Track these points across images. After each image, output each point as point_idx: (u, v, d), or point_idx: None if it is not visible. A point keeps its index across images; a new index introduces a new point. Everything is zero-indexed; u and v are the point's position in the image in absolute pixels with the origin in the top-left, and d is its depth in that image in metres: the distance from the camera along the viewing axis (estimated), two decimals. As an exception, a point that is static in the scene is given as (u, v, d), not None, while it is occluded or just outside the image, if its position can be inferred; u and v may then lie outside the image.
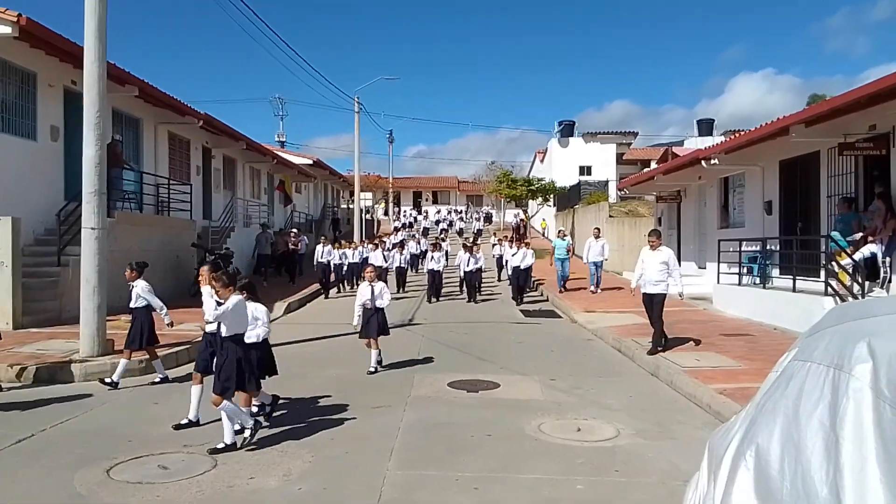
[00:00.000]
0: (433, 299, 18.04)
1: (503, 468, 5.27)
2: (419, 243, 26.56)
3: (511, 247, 19.20)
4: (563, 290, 18.29)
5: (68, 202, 13.11)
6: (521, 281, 17.41)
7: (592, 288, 18.27)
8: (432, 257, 18.42)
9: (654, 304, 9.81)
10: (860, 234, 10.87)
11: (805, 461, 1.51)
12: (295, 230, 24.73)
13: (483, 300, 18.31)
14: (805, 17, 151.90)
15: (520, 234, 29.94)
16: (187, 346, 9.96)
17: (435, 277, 18.11)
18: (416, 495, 4.69)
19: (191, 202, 18.54)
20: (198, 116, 18.39)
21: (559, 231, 20.39)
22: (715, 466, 1.93)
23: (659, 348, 9.64)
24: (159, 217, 17.10)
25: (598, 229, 19.39)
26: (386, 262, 18.68)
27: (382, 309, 9.19)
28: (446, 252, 21.94)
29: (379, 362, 9.18)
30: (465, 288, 18.63)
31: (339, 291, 20.11)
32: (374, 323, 9.09)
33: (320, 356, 10.65)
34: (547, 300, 18.33)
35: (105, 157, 9.35)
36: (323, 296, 19.07)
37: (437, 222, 47.01)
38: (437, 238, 27.74)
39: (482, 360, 10.04)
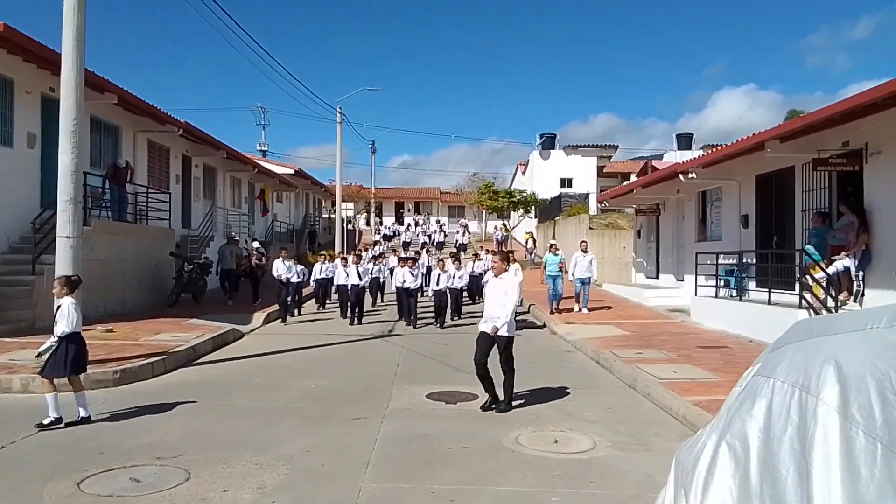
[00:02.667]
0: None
1: (479, 480, 5.26)
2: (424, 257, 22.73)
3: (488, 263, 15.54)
4: (555, 311, 16.31)
5: (44, 210, 12.94)
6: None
7: (577, 307, 16.64)
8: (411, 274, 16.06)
9: None
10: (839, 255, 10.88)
11: (781, 486, 1.52)
12: (257, 243, 21.75)
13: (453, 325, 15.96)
14: (787, 34, 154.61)
15: (503, 249, 29.71)
16: (163, 357, 9.84)
17: (411, 297, 15.87)
18: (391, 508, 4.67)
19: (170, 211, 18.38)
20: (177, 125, 18.28)
21: (551, 245, 17.78)
22: (685, 481, 1.94)
23: None
24: (137, 226, 16.93)
25: (586, 243, 17.83)
26: (361, 279, 15.97)
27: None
28: (429, 267, 19.67)
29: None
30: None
31: (299, 313, 17.40)
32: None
33: (299, 367, 10.57)
34: (528, 311, 17.87)
35: (81, 165, 9.26)
36: (280, 320, 15.98)
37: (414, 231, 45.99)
38: (416, 252, 26.81)
39: (461, 371, 10.01)
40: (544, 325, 15.48)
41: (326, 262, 18.50)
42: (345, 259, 18.09)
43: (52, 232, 11.20)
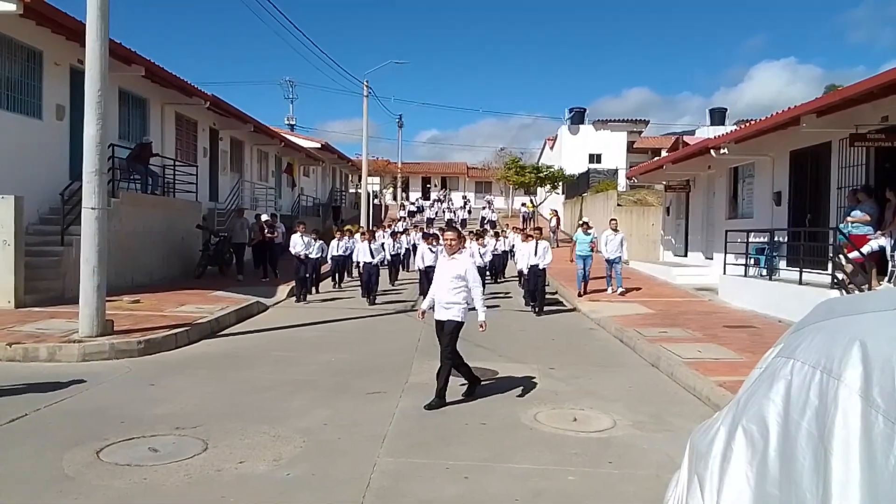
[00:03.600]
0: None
1: (495, 458, 5.21)
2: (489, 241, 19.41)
3: (523, 239, 15.83)
4: (583, 293, 15.35)
5: (72, 181, 13.09)
6: (533, 284, 13.97)
7: (610, 290, 15.70)
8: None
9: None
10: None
11: (798, 475, 1.41)
12: (268, 217, 20.21)
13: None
14: (831, 6, 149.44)
15: (529, 226, 28.91)
16: (187, 328, 9.95)
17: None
18: (404, 484, 4.64)
19: (196, 184, 18.53)
20: (205, 97, 18.32)
21: (582, 223, 16.35)
22: (699, 466, 1.82)
23: None
24: (164, 198, 17.10)
25: (616, 221, 16.69)
26: (373, 256, 15.42)
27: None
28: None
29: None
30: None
31: (316, 291, 16.65)
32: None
33: (319, 340, 10.62)
34: (556, 293, 16.93)
35: (106, 137, 9.31)
36: (295, 298, 15.25)
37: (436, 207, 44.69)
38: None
39: (481, 347, 9.95)
40: (574, 309, 14.64)
41: (346, 237, 17.44)
42: (366, 234, 17.43)
43: (80, 204, 11.34)
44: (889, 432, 1.24)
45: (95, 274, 9.07)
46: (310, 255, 15.42)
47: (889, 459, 1.23)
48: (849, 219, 11.28)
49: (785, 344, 1.75)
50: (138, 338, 9.04)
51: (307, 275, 15.55)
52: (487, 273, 17.53)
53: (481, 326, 7.03)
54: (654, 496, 4.55)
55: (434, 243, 14.71)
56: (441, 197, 51.64)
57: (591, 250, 15.39)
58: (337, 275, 18.01)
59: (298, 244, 15.22)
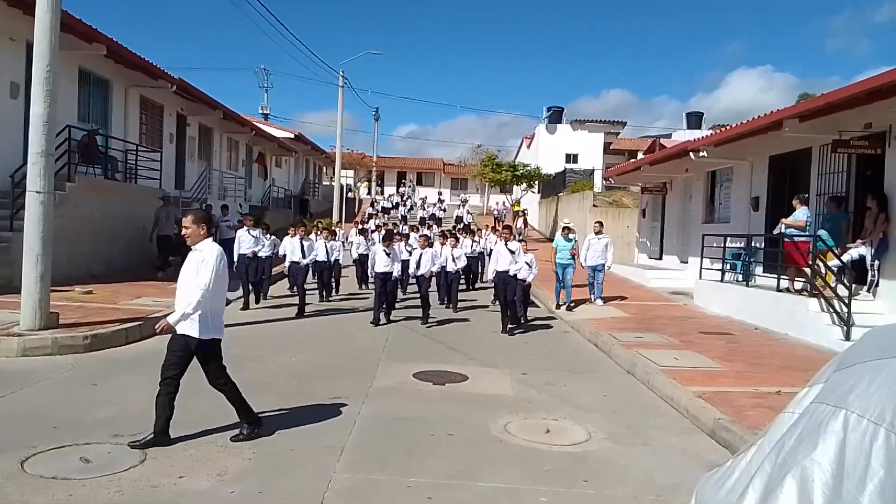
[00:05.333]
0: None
1: (462, 474, 4.81)
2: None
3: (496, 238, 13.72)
4: (561, 305, 13.78)
5: (24, 163, 12.37)
6: (512, 296, 11.37)
7: (592, 298, 14.24)
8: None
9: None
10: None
11: None
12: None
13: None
14: (809, 15, 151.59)
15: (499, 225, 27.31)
16: (139, 323, 9.37)
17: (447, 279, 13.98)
18: (361, 504, 4.22)
19: (161, 170, 17.82)
20: (171, 81, 17.63)
21: (564, 227, 14.13)
22: None
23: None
24: (126, 185, 16.39)
25: (601, 223, 14.72)
26: (304, 256, 13.01)
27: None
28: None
29: None
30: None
31: (264, 298, 13.92)
32: None
33: (282, 338, 10.14)
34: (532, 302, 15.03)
35: (55, 116, 8.71)
36: (242, 305, 12.79)
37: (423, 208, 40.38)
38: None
39: (452, 349, 9.59)
40: (550, 318, 13.23)
41: (297, 235, 13.43)
42: (332, 233, 16.08)
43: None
44: None
45: (39, 262, 8.48)
46: (258, 254, 13.04)
47: None
48: (784, 221, 11.54)
49: (829, 384, 1.34)
50: (85, 332, 8.47)
51: (262, 277, 13.53)
52: (462, 278, 15.39)
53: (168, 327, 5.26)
54: (633, 523, 4.19)
55: (389, 245, 12.02)
56: (404, 194, 46.76)
57: (573, 257, 13.69)
58: (291, 280, 14.55)
59: (246, 241, 12.99)
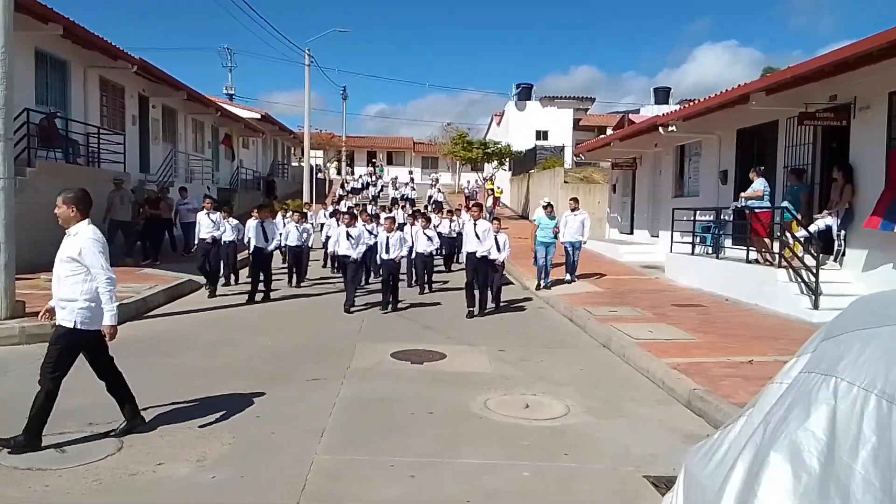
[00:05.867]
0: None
1: (443, 452, 4.82)
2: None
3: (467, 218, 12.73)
4: (542, 285, 13.42)
5: (-18, 149, 11.98)
6: (484, 279, 10.92)
7: (568, 277, 13.89)
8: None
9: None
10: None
11: None
12: (153, 188, 16.87)
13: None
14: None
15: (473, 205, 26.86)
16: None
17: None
18: (343, 485, 4.21)
19: (125, 153, 17.38)
20: (132, 61, 17.12)
21: (545, 205, 13.91)
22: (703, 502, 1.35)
23: None
24: (88, 168, 15.96)
25: (576, 200, 14.56)
26: (267, 241, 11.94)
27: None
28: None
29: None
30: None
31: (236, 281, 13.59)
32: None
33: (258, 321, 10.03)
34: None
35: (12, 98, 8.39)
36: (209, 293, 12.21)
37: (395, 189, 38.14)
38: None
39: (429, 328, 9.60)
40: (523, 299, 12.93)
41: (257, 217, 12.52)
42: (304, 215, 15.12)
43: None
44: None
45: (2, 251, 8.25)
46: (223, 239, 12.59)
47: None
48: (742, 195, 11.87)
49: (817, 353, 1.34)
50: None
51: (227, 262, 13.12)
52: (437, 255, 15.22)
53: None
54: (613, 493, 4.26)
55: (351, 224, 11.35)
56: (373, 173, 45.03)
57: (555, 236, 13.42)
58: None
59: (206, 225, 12.43)
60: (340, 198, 27.95)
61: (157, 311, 10.51)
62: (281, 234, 13.29)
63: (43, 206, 13.23)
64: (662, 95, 42.69)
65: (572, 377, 7.09)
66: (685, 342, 8.20)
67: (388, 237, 11.25)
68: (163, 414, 5.43)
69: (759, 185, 11.57)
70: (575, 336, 9.44)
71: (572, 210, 14.00)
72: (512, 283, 14.90)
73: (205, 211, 12.60)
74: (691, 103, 16.16)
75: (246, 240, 12.29)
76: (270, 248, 12.05)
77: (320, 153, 36.18)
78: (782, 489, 1.10)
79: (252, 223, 12.11)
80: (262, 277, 11.96)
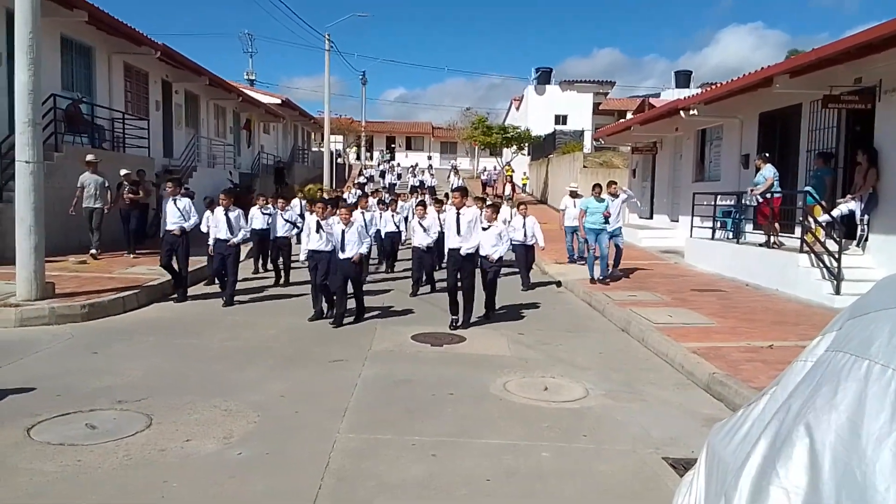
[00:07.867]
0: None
1: (464, 432, 4.90)
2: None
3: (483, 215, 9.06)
4: (599, 279, 11.65)
5: (10, 134, 12.19)
6: (469, 284, 8.72)
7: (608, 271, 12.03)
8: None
9: None
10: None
11: None
12: (125, 170, 14.42)
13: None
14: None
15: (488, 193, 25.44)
16: (136, 291, 9.38)
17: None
18: (367, 463, 4.30)
19: (149, 139, 17.60)
20: (155, 47, 17.30)
21: (595, 186, 12.25)
22: (725, 482, 1.40)
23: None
24: (114, 153, 16.18)
25: (616, 184, 12.82)
26: (233, 233, 9.97)
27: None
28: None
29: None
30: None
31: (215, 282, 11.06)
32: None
33: (280, 303, 10.18)
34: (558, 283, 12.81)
35: (39, 84, 8.55)
36: (175, 297, 10.09)
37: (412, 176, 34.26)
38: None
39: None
40: (541, 283, 11.78)
41: (268, 205, 12.48)
42: (313, 205, 10.70)
43: (18, 158, 10.54)
44: None
45: (32, 233, 8.43)
46: (188, 231, 10.17)
47: None
48: (754, 192, 11.83)
49: (843, 332, 1.35)
50: (82, 301, 8.47)
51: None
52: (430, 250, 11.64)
53: None
54: (632, 475, 4.31)
55: (324, 216, 9.11)
56: (385, 168, 41.00)
57: (606, 220, 11.63)
58: (257, 254, 13.32)
59: (171, 214, 10.17)
60: (361, 185, 27.55)
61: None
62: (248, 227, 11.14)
63: (72, 189, 13.56)
64: (684, 79, 42.15)
65: (591, 360, 7.13)
66: (705, 327, 8.19)
67: (343, 231, 8.63)
68: (189, 393, 5.56)
69: (768, 172, 11.52)
70: (594, 320, 9.46)
71: (612, 195, 12.11)
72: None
73: (171, 198, 10.13)
74: (713, 87, 15.97)
75: (205, 229, 10.29)
76: (235, 240, 10.05)
77: (340, 138, 36.22)
78: (803, 468, 1.13)
79: (217, 212, 10.09)
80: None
